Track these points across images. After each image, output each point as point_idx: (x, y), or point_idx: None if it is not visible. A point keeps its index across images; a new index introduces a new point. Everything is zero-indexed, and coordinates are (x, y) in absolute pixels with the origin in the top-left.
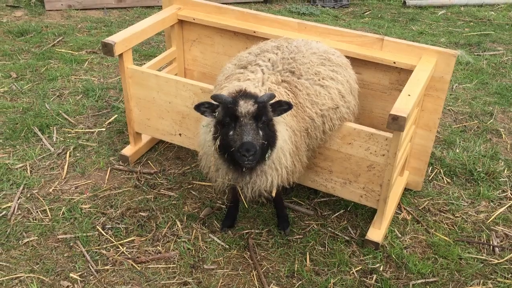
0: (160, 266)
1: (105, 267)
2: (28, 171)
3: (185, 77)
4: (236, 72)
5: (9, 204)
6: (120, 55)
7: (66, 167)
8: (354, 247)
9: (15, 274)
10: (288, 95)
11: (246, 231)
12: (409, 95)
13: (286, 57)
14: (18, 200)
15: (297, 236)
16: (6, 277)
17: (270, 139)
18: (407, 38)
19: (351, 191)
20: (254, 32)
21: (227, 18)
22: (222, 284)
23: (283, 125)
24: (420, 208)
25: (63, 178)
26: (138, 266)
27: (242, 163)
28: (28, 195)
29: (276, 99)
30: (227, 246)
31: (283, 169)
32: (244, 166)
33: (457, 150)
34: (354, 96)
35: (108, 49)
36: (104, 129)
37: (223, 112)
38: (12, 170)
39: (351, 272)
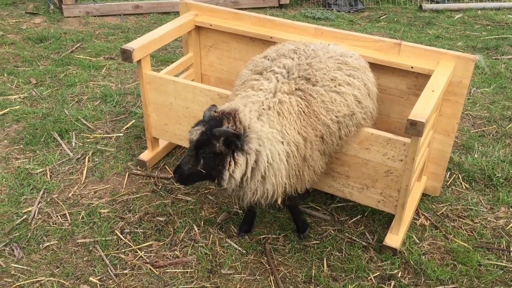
0: (178, 270)
1: (124, 271)
2: (48, 176)
3: (201, 82)
4: (251, 78)
5: (29, 209)
6: (139, 61)
7: (85, 172)
8: (371, 253)
9: (35, 278)
10: (300, 104)
11: (263, 236)
12: (433, 90)
13: (302, 62)
14: (38, 204)
15: (314, 242)
16: (27, 281)
17: (211, 171)
18: (424, 42)
19: (368, 197)
20: (271, 37)
21: (243, 23)
22: None
23: (270, 143)
24: (438, 213)
25: (82, 182)
26: (156, 271)
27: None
28: (48, 200)
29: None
30: (244, 251)
31: (278, 184)
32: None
33: (476, 155)
34: (373, 100)
35: (127, 55)
36: (122, 134)
37: None
38: (33, 175)
39: (369, 278)
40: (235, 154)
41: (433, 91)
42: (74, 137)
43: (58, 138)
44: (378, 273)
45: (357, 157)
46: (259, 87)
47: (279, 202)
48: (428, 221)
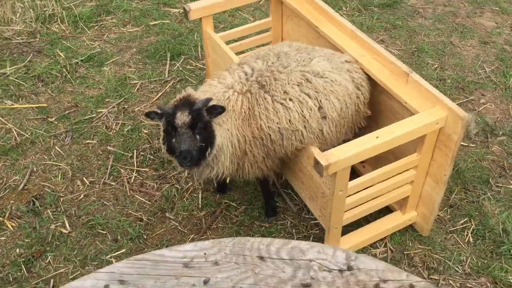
0: (141, 199)
1: (112, 183)
2: (136, 89)
3: None
4: (229, 66)
5: (103, 110)
6: (200, 19)
7: (159, 95)
8: None
9: (60, 164)
10: (244, 105)
11: (228, 201)
12: (377, 137)
13: (270, 69)
14: (110, 108)
15: (264, 225)
16: (55, 163)
17: (208, 140)
18: None
19: (314, 207)
20: (316, 27)
21: (306, 6)
22: (157, 234)
23: (223, 127)
24: (404, 252)
25: (152, 102)
26: (129, 192)
27: (183, 167)
28: (120, 108)
29: (213, 102)
30: (200, 206)
31: (224, 165)
32: (185, 169)
33: None
34: (329, 125)
35: (185, 13)
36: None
37: (165, 122)
38: (126, 85)
39: None
40: (213, 122)
41: (377, 137)
42: (181, 61)
43: (168, 59)
44: None
45: (306, 169)
46: (220, 80)
47: (227, 181)
48: (384, 255)
